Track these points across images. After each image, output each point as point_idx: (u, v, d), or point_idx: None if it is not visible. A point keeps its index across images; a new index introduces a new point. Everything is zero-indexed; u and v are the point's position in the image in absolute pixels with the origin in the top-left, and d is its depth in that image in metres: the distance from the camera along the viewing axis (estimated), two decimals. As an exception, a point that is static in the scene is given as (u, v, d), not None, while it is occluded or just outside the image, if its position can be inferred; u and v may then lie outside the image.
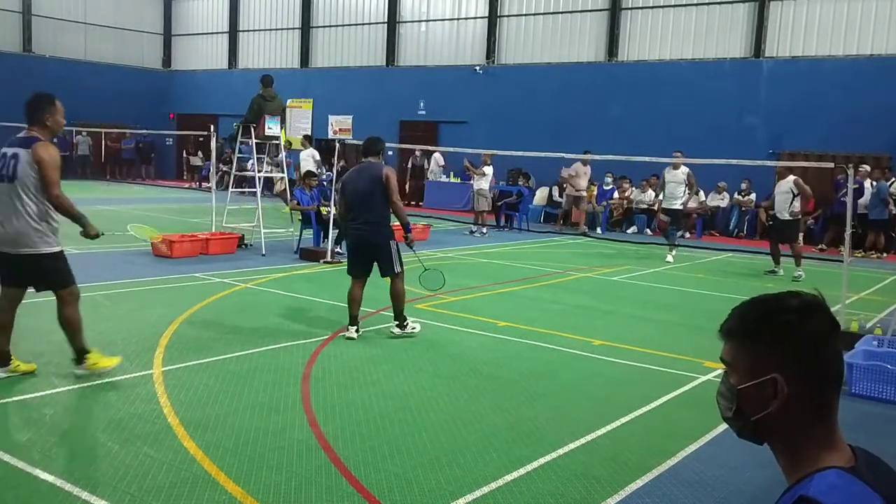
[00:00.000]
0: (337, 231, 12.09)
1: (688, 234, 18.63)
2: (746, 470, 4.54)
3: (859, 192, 15.48)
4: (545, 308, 9.26)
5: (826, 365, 1.41)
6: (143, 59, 32.06)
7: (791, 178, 12.22)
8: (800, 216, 12.73)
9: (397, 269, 7.21)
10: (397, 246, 7.28)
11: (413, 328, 7.34)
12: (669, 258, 13.68)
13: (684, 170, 13.51)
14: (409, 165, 23.78)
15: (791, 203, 12.16)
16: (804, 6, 19.05)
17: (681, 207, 13.74)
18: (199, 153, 28.74)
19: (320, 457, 4.42)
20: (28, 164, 5.24)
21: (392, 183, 7.14)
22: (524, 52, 23.35)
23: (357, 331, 7.25)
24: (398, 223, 7.44)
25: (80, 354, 5.58)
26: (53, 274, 5.44)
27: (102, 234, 5.71)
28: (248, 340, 6.95)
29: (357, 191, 7.20)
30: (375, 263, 7.30)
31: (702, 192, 18.80)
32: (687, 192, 13.70)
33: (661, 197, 14.01)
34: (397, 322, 7.32)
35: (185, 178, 30.07)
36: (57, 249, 5.42)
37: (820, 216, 17.62)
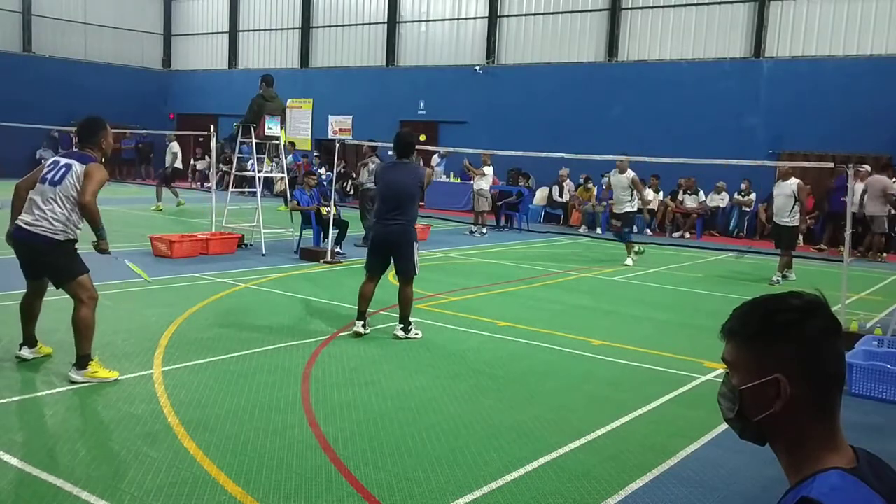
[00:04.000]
0: (337, 231, 12.09)
1: (687, 234, 18.66)
2: (747, 470, 4.54)
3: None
4: (545, 308, 9.26)
5: (828, 365, 1.40)
6: (143, 59, 32.05)
7: (795, 181, 11.60)
8: (798, 224, 12.01)
9: (414, 270, 7.25)
10: (418, 247, 7.33)
11: (416, 335, 7.31)
12: (629, 261, 12.97)
13: (629, 174, 12.83)
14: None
15: (792, 208, 11.58)
16: (804, 6, 19.05)
17: (631, 210, 13.08)
18: (206, 157, 28.73)
19: (320, 457, 4.42)
20: (76, 177, 5.54)
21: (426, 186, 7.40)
22: (524, 52, 23.35)
23: (365, 326, 7.26)
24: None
25: (83, 361, 5.58)
26: (62, 263, 5.60)
27: (109, 253, 5.93)
28: (248, 340, 6.94)
29: (395, 188, 7.18)
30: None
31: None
32: (636, 196, 13.01)
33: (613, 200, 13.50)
34: (402, 326, 7.31)
35: (188, 178, 30.05)
36: (64, 239, 5.58)
37: (818, 216, 17.62)
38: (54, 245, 5.51)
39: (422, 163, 23.40)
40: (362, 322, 7.27)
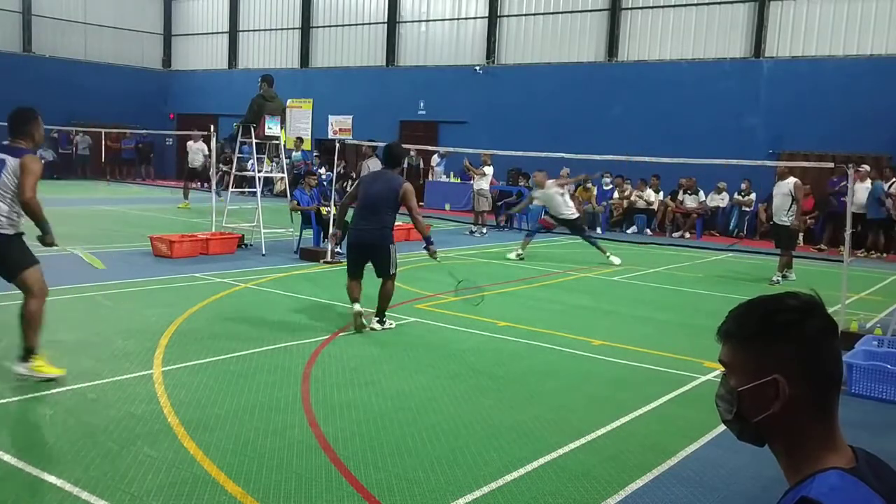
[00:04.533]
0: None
1: (687, 234, 18.66)
2: (747, 470, 4.54)
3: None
4: (545, 308, 9.26)
5: (826, 365, 1.40)
6: (143, 59, 32.05)
7: (792, 180, 11.54)
8: (797, 223, 11.96)
9: (392, 270, 7.58)
10: (396, 249, 7.65)
11: (390, 325, 7.66)
12: (615, 260, 12.90)
13: (550, 189, 13.27)
14: (406, 165, 23.78)
15: (790, 207, 11.52)
16: (804, 6, 19.05)
17: (571, 216, 13.46)
18: (206, 157, 28.76)
19: (320, 457, 4.42)
20: (13, 171, 5.46)
21: (411, 200, 7.56)
22: (524, 52, 23.35)
23: (361, 307, 7.42)
24: (402, 225, 7.68)
25: (28, 353, 5.54)
26: (15, 256, 5.52)
27: (57, 246, 5.84)
28: (248, 340, 6.95)
29: (371, 196, 7.54)
30: (371, 265, 7.64)
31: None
32: (571, 203, 13.52)
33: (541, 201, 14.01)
34: (378, 319, 7.63)
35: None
36: (14, 233, 5.50)
37: (819, 216, 17.64)
38: (6, 240, 5.47)
39: (422, 162, 23.53)
40: (358, 303, 7.45)
